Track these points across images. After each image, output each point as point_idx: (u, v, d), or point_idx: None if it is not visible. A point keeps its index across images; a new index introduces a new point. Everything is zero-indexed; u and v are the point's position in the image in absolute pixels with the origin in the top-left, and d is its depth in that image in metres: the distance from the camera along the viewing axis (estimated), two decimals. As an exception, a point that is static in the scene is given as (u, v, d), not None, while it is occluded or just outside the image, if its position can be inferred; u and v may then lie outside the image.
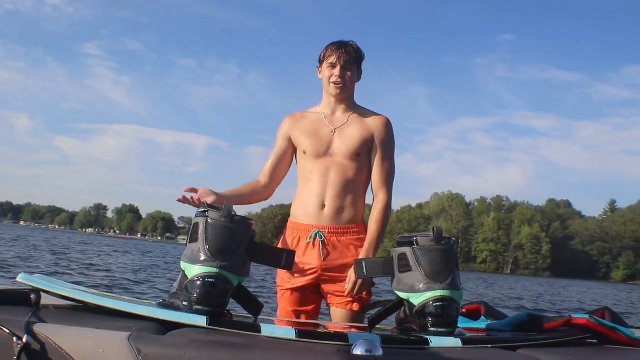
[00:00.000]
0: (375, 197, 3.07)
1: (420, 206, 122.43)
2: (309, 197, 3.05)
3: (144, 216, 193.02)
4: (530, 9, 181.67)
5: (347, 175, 3.02)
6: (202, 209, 2.29)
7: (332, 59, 3.03)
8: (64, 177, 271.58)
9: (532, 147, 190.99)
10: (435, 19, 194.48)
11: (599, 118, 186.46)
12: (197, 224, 2.27)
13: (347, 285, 2.91)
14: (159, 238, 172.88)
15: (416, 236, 2.35)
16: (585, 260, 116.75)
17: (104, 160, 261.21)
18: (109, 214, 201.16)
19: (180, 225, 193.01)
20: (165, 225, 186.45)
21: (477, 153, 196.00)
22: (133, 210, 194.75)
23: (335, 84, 3.04)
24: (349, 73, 3.04)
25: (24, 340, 1.80)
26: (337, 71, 3.02)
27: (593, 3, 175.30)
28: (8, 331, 1.82)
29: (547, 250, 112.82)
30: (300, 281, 3.01)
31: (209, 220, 2.24)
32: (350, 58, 3.03)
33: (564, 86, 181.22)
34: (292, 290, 3.04)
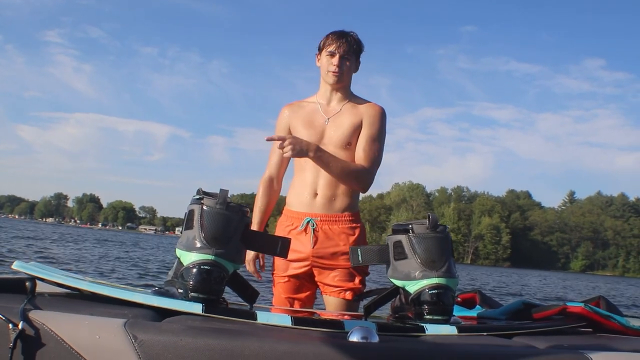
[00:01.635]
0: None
1: (381, 196, 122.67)
2: (302, 186, 3.06)
3: (104, 205, 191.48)
4: (492, 1, 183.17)
5: None
6: (197, 196, 2.28)
7: (332, 48, 3.04)
8: (24, 166, 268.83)
9: (493, 138, 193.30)
10: (397, 8, 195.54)
11: (559, 110, 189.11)
12: (192, 211, 2.26)
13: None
14: (120, 227, 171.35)
15: (412, 224, 2.37)
16: (544, 250, 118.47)
17: (64, 149, 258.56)
18: (70, 204, 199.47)
19: (141, 215, 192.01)
20: (126, 215, 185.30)
21: (438, 143, 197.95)
22: (94, 200, 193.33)
23: (333, 72, 3.03)
24: (347, 63, 3.04)
25: (20, 326, 1.79)
26: (335, 60, 3.03)
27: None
28: (4, 318, 1.80)
29: (506, 241, 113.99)
30: (294, 269, 3.01)
31: (204, 208, 2.23)
32: (349, 48, 3.04)
33: (525, 78, 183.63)
34: (287, 278, 3.04)
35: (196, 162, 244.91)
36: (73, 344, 1.79)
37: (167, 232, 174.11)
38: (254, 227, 3.09)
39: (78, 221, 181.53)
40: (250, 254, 3.08)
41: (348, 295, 2.93)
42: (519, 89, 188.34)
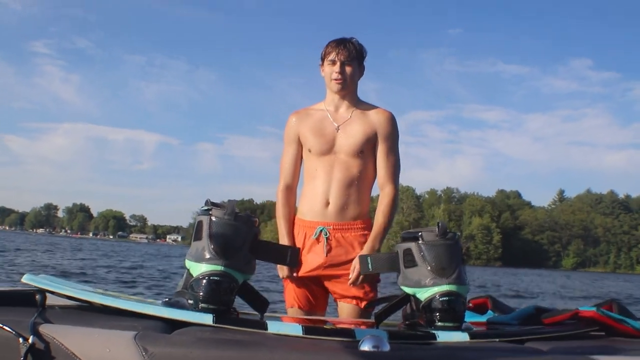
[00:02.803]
0: (381, 191, 3.06)
1: (371, 199, 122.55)
2: (314, 195, 3.06)
3: (95, 215, 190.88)
4: (478, 3, 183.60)
5: (351, 172, 3.02)
6: (206, 207, 2.27)
7: (332, 56, 3.05)
8: (13, 177, 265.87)
9: (482, 140, 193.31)
10: (383, 13, 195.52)
11: (547, 110, 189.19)
12: (200, 222, 2.26)
13: (351, 274, 2.90)
14: (111, 237, 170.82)
15: (421, 231, 2.37)
16: (535, 249, 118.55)
17: (53, 159, 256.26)
18: (60, 214, 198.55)
19: (131, 224, 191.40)
20: (116, 224, 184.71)
21: (428, 146, 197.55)
22: (84, 210, 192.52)
23: (335, 80, 3.04)
24: (349, 69, 3.04)
25: (30, 340, 1.79)
26: (337, 67, 3.03)
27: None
28: (14, 332, 1.81)
29: (497, 240, 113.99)
30: (304, 272, 3.00)
31: (213, 219, 2.24)
32: (349, 54, 3.04)
33: (512, 79, 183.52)
34: (297, 282, 3.04)
35: (186, 170, 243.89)
36: (84, 358, 1.78)
37: (158, 240, 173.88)
38: (284, 238, 3.08)
39: (69, 231, 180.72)
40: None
41: (362, 303, 2.93)
42: (507, 90, 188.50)
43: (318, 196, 3.03)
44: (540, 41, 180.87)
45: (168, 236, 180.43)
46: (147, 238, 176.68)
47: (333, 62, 3.04)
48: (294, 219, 3.14)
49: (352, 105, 3.11)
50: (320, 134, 3.07)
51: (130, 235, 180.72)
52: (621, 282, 48.46)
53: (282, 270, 3.05)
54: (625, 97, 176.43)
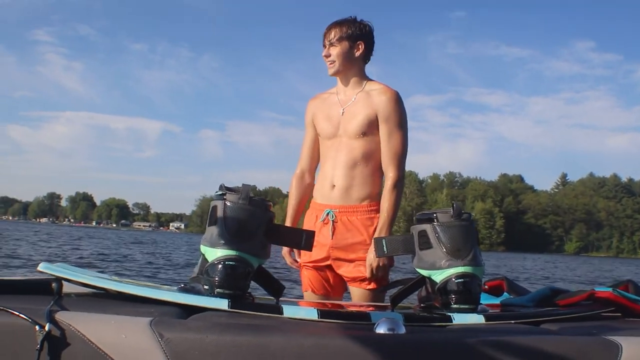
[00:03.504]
0: (385, 176, 3.04)
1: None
2: (323, 178, 3.09)
3: (98, 203, 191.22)
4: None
5: (354, 154, 3.00)
6: (220, 192, 2.27)
7: (323, 39, 3.07)
8: (16, 167, 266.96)
9: (484, 124, 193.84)
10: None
11: (550, 93, 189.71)
12: (215, 207, 2.25)
13: (367, 270, 2.91)
14: (114, 225, 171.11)
15: (436, 213, 2.36)
16: (538, 233, 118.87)
17: (56, 148, 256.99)
18: (63, 203, 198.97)
19: (135, 212, 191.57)
20: (119, 212, 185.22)
21: (430, 130, 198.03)
22: (87, 198, 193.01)
23: (328, 64, 3.07)
24: (335, 50, 3.04)
25: (46, 328, 1.78)
26: (324, 51, 3.06)
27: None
28: (30, 320, 1.80)
29: (500, 225, 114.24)
30: (316, 257, 3.02)
31: (227, 203, 2.22)
32: (335, 34, 3.03)
33: (515, 62, 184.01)
34: (313, 267, 3.08)
35: (188, 157, 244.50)
36: (100, 344, 1.78)
37: (161, 228, 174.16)
38: (288, 222, 3.13)
39: (72, 220, 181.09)
40: (284, 247, 3.10)
41: (372, 285, 2.93)
42: (510, 73, 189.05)
43: (326, 179, 3.06)
44: (543, 24, 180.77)
45: (171, 224, 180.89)
46: (150, 226, 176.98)
47: (324, 45, 3.06)
48: (304, 205, 3.18)
49: (357, 86, 3.10)
50: (328, 118, 3.09)
51: (134, 224, 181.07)
52: (626, 266, 48.38)
53: (287, 258, 3.14)
54: (627, 79, 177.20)
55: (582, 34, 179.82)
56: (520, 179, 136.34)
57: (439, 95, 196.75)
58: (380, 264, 2.86)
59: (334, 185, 3.02)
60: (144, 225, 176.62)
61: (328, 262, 3.02)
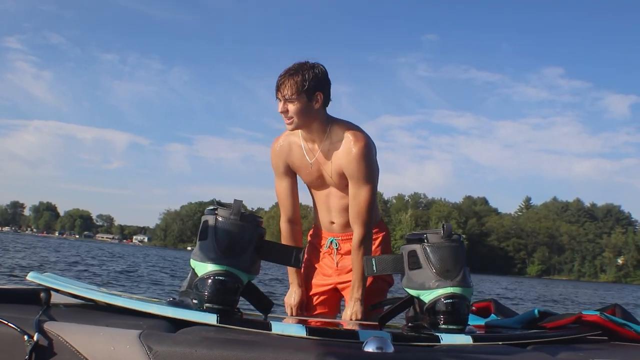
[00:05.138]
0: (353, 230, 2.97)
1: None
2: (320, 214, 3.11)
3: (61, 214, 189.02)
4: (453, 10, 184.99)
5: (346, 199, 2.96)
6: (212, 207, 2.27)
7: (276, 92, 2.84)
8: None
9: (452, 146, 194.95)
10: (359, 16, 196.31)
11: (518, 118, 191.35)
12: (206, 222, 2.25)
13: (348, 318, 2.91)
14: (77, 236, 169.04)
15: (426, 233, 2.37)
16: (501, 256, 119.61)
17: (21, 156, 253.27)
18: (26, 212, 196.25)
19: (98, 223, 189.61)
20: (83, 223, 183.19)
21: (397, 151, 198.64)
22: (50, 208, 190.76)
23: (285, 119, 2.86)
24: (293, 107, 2.80)
25: (35, 338, 1.79)
26: (280, 106, 2.83)
27: (513, 5, 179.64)
28: (19, 329, 1.81)
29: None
30: (319, 288, 3.12)
31: (219, 219, 2.23)
32: (290, 91, 2.78)
33: (484, 86, 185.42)
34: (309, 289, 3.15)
35: (155, 170, 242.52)
36: (88, 356, 1.79)
37: (124, 241, 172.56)
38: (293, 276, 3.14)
39: (34, 230, 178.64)
40: (296, 299, 3.09)
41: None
42: (479, 97, 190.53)
43: (323, 216, 3.10)
44: (513, 49, 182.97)
45: (134, 237, 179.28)
46: (113, 238, 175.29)
47: (277, 98, 2.84)
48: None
49: (321, 134, 2.92)
50: (306, 172, 2.99)
51: (97, 235, 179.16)
52: (591, 290, 49.08)
53: (290, 309, 3.12)
54: (594, 106, 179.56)
55: (551, 60, 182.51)
56: (484, 201, 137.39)
57: (408, 116, 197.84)
58: (356, 318, 2.88)
59: (333, 222, 3.06)
60: (107, 237, 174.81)
61: (331, 287, 3.10)
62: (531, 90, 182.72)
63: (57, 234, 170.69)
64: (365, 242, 2.90)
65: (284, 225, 3.11)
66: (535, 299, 24.68)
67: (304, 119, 2.82)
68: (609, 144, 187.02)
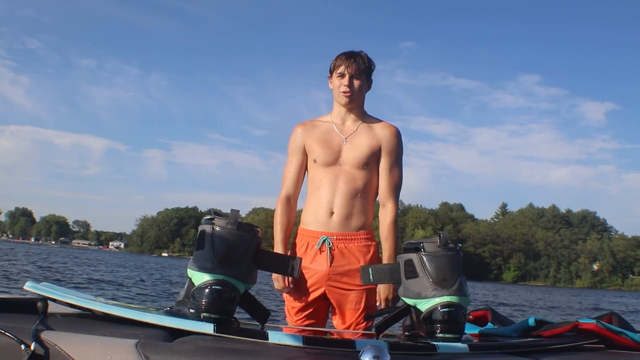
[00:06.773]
0: (382, 207, 3.15)
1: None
2: (318, 205, 3.10)
3: (37, 219, 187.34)
4: (431, 17, 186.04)
5: (356, 183, 3.08)
6: (209, 217, 2.26)
7: (341, 69, 3.10)
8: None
9: (430, 152, 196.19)
10: (337, 23, 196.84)
11: (495, 125, 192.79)
12: (203, 232, 2.24)
13: (381, 301, 3.02)
14: (53, 242, 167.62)
15: (422, 242, 2.38)
16: (477, 262, 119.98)
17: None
18: (2, 218, 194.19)
19: (75, 229, 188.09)
20: (59, 229, 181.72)
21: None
22: (26, 214, 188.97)
23: (344, 93, 3.09)
24: (357, 82, 3.09)
25: (32, 347, 1.78)
26: (345, 80, 3.08)
27: (491, 13, 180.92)
28: (15, 339, 1.80)
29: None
30: (310, 297, 3.07)
31: (216, 228, 2.22)
32: (358, 68, 3.09)
33: (462, 93, 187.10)
34: (298, 294, 3.10)
35: (132, 176, 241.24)
36: None
37: (100, 247, 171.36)
38: (279, 245, 3.13)
39: (10, 236, 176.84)
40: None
41: (361, 314, 3.00)
42: (456, 104, 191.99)
43: (322, 206, 3.07)
44: (491, 56, 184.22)
45: (111, 243, 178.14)
46: (90, 244, 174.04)
47: (342, 75, 3.09)
48: (291, 229, 3.16)
49: (359, 118, 3.17)
50: (327, 146, 3.10)
51: (73, 242, 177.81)
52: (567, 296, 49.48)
53: (278, 282, 3.09)
54: (571, 113, 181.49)
55: (528, 68, 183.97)
56: (461, 207, 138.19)
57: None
58: (392, 296, 2.97)
59: (333, 212, 3.06)
60: (83, 243, 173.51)
61: (322, 290, 3.04)
62: (508, 97, 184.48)
63: (32, 240, 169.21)
64: (397, 218, 3.14)
65: (282, 202, 3.20)
66: (529, 307, 24.61)
67: (360, 96, 3.16)
68: (585, 151, 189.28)
